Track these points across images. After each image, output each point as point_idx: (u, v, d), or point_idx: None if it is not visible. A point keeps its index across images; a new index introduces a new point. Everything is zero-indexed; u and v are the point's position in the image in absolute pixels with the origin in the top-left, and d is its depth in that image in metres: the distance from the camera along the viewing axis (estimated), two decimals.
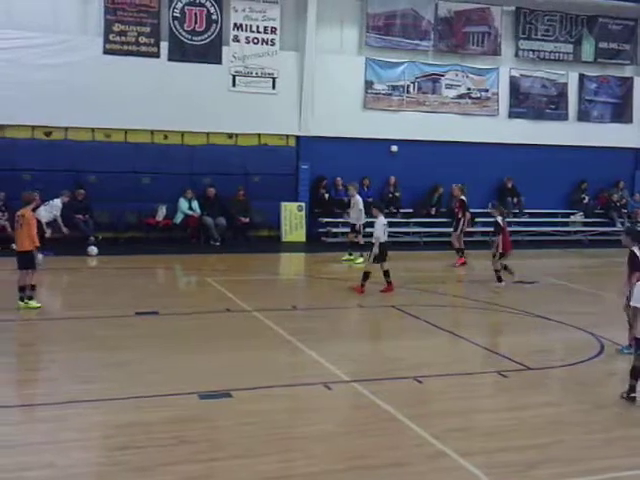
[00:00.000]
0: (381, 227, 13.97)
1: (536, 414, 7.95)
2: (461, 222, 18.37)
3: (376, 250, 13.83)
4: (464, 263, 18.02)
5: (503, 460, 6.80)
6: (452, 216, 21.94)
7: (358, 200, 17.92)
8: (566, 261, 19.99)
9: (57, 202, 17.34)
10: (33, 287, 12.03)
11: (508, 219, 22.60)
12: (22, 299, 11.83)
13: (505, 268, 15.42)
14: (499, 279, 15.19)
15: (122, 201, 19.27)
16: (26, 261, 11.90)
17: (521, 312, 12.97)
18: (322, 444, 7.04)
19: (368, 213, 17.51)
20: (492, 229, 16.20)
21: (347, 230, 19.59)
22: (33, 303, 11.88)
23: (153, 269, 16.81)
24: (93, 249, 17.54)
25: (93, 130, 19.52)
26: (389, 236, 14.78)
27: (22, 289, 11.87)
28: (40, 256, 13.05)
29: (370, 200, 21.02)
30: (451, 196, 21.98)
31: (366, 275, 13.90)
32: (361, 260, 17.03)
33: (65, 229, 17.51)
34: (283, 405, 8.17)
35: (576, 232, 23.61)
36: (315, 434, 7.27)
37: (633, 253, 10.41)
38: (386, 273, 14.04)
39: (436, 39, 22.33)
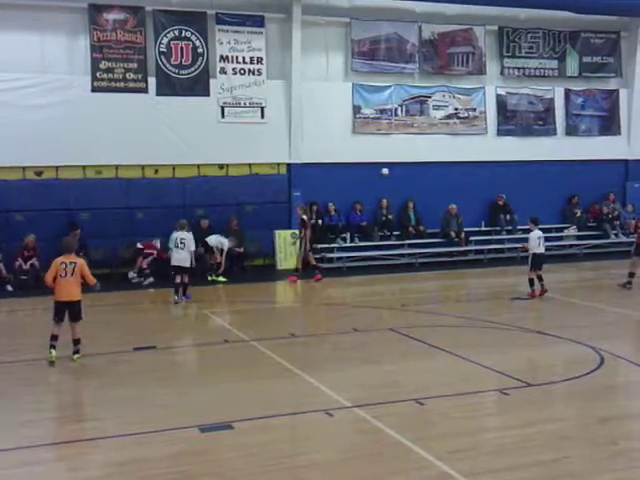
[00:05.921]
0: (535, 239, 16.20)
1: (540, 430, 7.90)
2: (304, 241, 19.14)
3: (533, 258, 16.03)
4: (320, 279, 18.61)
5: (509, 479, 6.75)
6: (445, 236, 22.11)
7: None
8: (562, 275, 19.96)
9: None
10: (78, 341, 11.14)
11: (500, 236, 22.78)
12: (76, 352, 11.07)
13: None
14: None
15: (116, 237, 19.30)
16: (77, 312, 11.09)
17: (519, 328, 12.94)
18: (325, 472, 6.98)
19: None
20: None
21: (342, 255, 20.10)
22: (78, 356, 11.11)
23: (149, 303, 16.76)
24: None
25: (84, 168, 19.53)
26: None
27: (76, 342, 11.08)
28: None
29: (364, 224, 21.24)
30: (449, 215, 22.04)
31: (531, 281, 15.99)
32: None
33: None
34: (285, 434, 8.11)
35: (570, 246, 23.63)
36: (318, 462, 7.20)
37: None
38: (531, 282, 15.90)
39: (421, 61, 22.49)
